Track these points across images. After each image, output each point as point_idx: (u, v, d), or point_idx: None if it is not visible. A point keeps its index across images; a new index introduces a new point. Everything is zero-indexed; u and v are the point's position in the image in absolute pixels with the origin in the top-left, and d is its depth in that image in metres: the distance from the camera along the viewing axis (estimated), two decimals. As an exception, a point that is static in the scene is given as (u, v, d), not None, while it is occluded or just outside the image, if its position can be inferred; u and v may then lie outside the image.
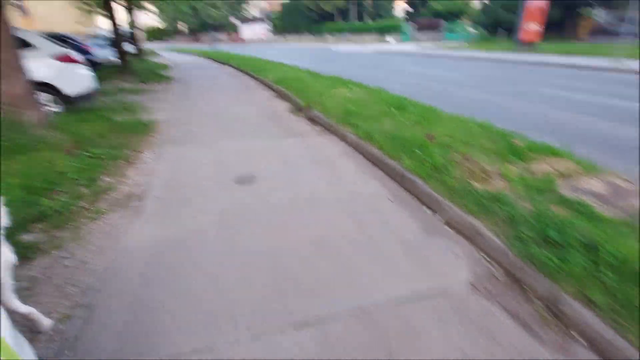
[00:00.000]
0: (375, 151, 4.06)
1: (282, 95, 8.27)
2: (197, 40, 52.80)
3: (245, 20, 49.05)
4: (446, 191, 2.99)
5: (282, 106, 7.29)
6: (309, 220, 2.91)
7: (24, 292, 2.16)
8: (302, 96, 7.19)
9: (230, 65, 15.84)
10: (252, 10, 55.19)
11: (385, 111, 5.44)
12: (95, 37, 17.29)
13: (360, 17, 38.50)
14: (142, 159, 4.31)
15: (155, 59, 19.88)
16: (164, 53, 26.92)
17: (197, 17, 49.69)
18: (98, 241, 2.66)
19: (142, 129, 5.32)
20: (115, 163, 4.05)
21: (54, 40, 5.49)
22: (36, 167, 3.43)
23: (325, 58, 19.60)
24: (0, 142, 3.53)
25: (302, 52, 25.60)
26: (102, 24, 25.56)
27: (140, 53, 15.97)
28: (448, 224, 2.74)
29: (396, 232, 2.68)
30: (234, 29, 49.22)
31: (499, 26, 25.06)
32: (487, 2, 27.90)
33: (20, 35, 5.03)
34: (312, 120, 6.07)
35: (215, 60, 19.34)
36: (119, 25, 11.01)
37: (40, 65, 5.07)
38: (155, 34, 61.32)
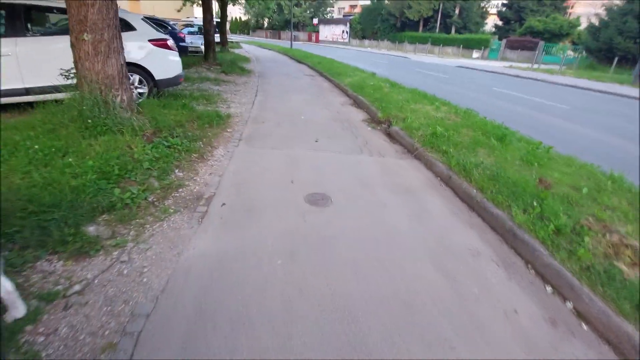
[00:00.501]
0: (472, 191, 3.39)
1: (357, 103, 7.82)
2: (277, 36, 54.88)
3: (326, 21, 49.69)
4: (579, 270, 2.26)
5: (357, 115, 6.83)
6: (390, 266, 2.40)
7: (74, 297, 1.96)
8: (380, 107, 6.65)
9: (307, 65, 15.83)
10: (333, 12, 55.79)
11: (481, 140, 4.68)
12: (189, 25, 18.50)
13: (446, 29, 36.57)
14: (215, 155, 4.15)
15: (238, 51, 20.78)
16: (245, 46, 28.22)
17: (282, 14, 51.59)
18: (159, 247, 2.43)
19: (219, 121, 5.23)
20: (188, 156, 3.92)
21: (154, 25, 5.66)
22: (114, 151, 3.38)
23: (404, 67, 18.73)
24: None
25: (379, 58, 24.94)
26: (197, 13, 27.55)
27: (224, 44, 16.72)
28: (586, 320, 2.03)
29: (510, 318, 2.04)
30: (314, 29, 50.15)
31: (611, 53, 21.72)
32: (596, 23, 24.49)
33: (126, 17, 5.23)
34: (391, 136, 5.50)
35: (293, 58, 19.60)
36: (210, 16, 11.48)
37: (137, 47, 5.22)
38: (238, 27, 65.07)
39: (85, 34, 3.65)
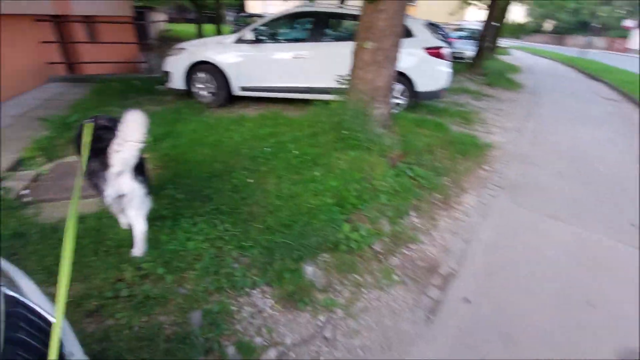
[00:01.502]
0: None
1: None
2: (559, 42, 44.93)
3: (646, 23, 35.82)
4: None
5: None
6: None
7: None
8: None
9: (605, 83, 11.55)
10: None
11: None
12: (458, 29, 17.55)
13: None
14: (462, 203, 3.17)
15: (506, 58, 18.07)
16: (515, 52, 24.41)
17: (576, 15, 41.38)
18: (369, 339, 1.79)
19: (475, 152, 4.14)
20: (429, 196, 3.14)
21: (433, 31, 5.11)
22: (357, 172, 3.04)
23: None
24: (340, 134, 3.39)
25: None
26: (469, 16, 26.10)
27: (493, 50, 14.75)
28: None
29: None
30: (620, 33, 37.45)
31: None
32: None
33: (407, 23, 4.92)
34: None
35: (582, 72, 14.99)
36: (486, 19, 10.00)
37: (408, 54, 4.81)
38: (511, 30, 57.75)
39: (368, 41, 3.44)
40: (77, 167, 3.01)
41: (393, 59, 3.57)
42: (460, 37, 14.31)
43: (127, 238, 2.15)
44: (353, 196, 2.77)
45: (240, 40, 4.97)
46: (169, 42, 13.51)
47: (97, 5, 8.48)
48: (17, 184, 2.76)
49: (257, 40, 4.95)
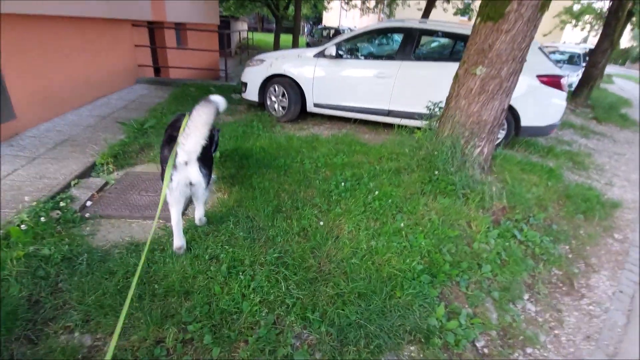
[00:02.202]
0: None
1: None
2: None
3: None
4: None
5: None
6: None
7: None
8: None
9: None
10: None
11: None
12: (555, 52, 15.65)
13: None
14: (592, 287, 2.36)
15: (609, 88, 15.64)
16: (620, 81, 21.20)
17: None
18: None
19: (600, 212, 3.23)
20: (547, 272, 2.40)
21: (549, 56, 4.27)
22: (452, 229, 2.42)
23: None
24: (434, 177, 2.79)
25: None
26: (566, 37, 23.44)
27: (600, 78, 12.75)
28: None
29: None
30: None
31: None
32: None
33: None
34: None
35: None
36: (599, 41, 8.46)
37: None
38: (615, 55, 51.08)
39: (480, 67, 2.82)
40: (143, 180, 2.83)
41: (508, 90, 2.90)
42: (558, 62, 12.62)
43: (176, 282, 1.83)
44: (447, 262, 2.17)
45: (320, 55, 4.65)
46: (247, 51, 14.04)
47: (188, 13, 8.97)
48: (83, 193, 2.65)
49: (338, 56, 4.58)
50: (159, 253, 2.05)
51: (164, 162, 1.99)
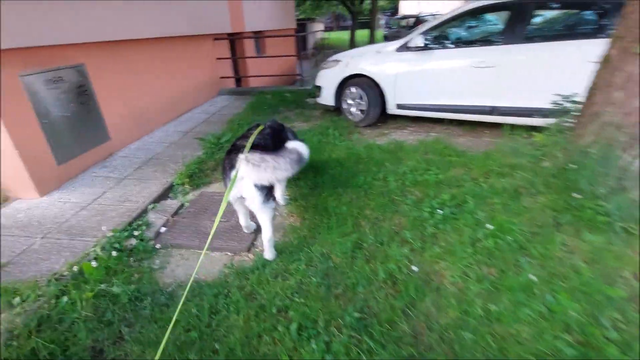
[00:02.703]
0: None
1: None
2: None
3: None
4: None
5: None
6: None
7: None
8: None
9: None
10: None
11: None
12: None
13: None
14: None
15: None
16: None
17: None
18: None
19: None
20: None
21: None
22: (609, 288, 1.65)
23: None
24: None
25: None
26: None
27: None
28: None
29: None
30: None
31: None
32: None
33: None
34: None
35: None
36: None
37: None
38: None
39: (649, 42, 1.93)
40: (215, 202, 2.65)
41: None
42: None
43: (238, 346, 1.52)
44: (613, 343, 1.44)
45: (403, 48, 4.02)
46: (323, 51, 13.86)
47: (266, 20, 9.11)
48: (159, 217, 2.60)
49: (426, 47, 3.89)
50: (223, 299, 1.79)
51: (223, 172, 1.99)
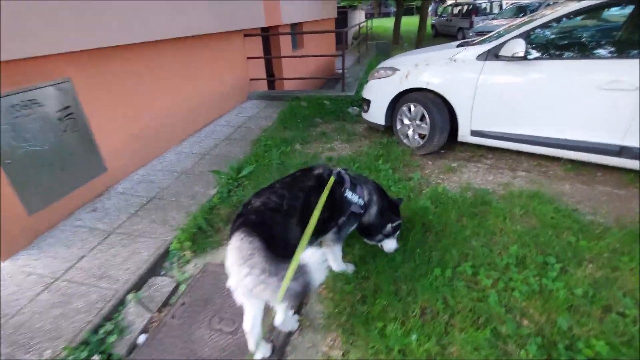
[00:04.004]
0: None
1: None
2: None
3: None
4: None
5: None
6: None
7: None
8: None
9: None
10: None
11: None
12: None
13: None
14: None
15: None
16: None
17: None
18: None
19: None
20: None
21: None
22: None
23: None
24: None
25: None
26: None
27: None
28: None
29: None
30: None
31: None
32: None
33: None
34: None
35: None
36: None
37: None
38: None
39: None
40: (223, 281, 1.87)
41: None
42: None
43: None
44: None
45: (491, 55, 2.92)
46: (366, 43, 12.57)
47: (304, 10, 8.12)
48: (140, 315, 1.82)
49: (525, 57, 2.75)
50: None
51: None
